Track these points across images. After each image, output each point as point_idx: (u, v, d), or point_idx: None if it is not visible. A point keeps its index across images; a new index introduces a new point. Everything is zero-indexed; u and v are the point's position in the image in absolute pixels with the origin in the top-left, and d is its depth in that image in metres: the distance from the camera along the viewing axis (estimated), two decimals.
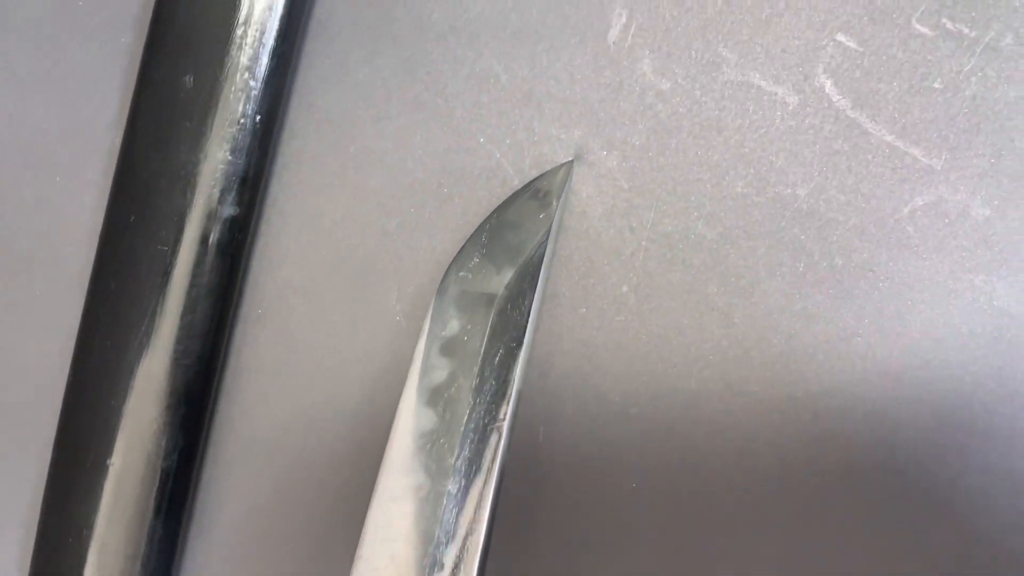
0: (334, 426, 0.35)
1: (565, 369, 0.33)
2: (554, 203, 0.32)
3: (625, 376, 0.33)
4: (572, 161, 0.33)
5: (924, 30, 0.30)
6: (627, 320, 0.33)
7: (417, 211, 0.34)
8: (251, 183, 0.33)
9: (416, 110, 0.34)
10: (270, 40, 0.32)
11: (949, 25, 0.30)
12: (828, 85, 0.31)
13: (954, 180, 0.31)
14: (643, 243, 0.33)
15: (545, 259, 0.31)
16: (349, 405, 0.35)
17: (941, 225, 0.31)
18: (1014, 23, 0.30)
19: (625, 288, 0.33)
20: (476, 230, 0.32)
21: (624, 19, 0.32)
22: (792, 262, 0.32)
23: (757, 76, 0.32)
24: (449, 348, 0.30)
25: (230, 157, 0.33)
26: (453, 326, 0.31)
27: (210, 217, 0.33)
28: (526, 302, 0.30)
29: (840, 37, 0.31)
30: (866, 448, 0.32)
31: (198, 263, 0.33)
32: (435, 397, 0.30)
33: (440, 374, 0.30)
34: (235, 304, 0.35)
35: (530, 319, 0.30)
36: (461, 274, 0.31)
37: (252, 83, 0.32)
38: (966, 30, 0.30)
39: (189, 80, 0.32)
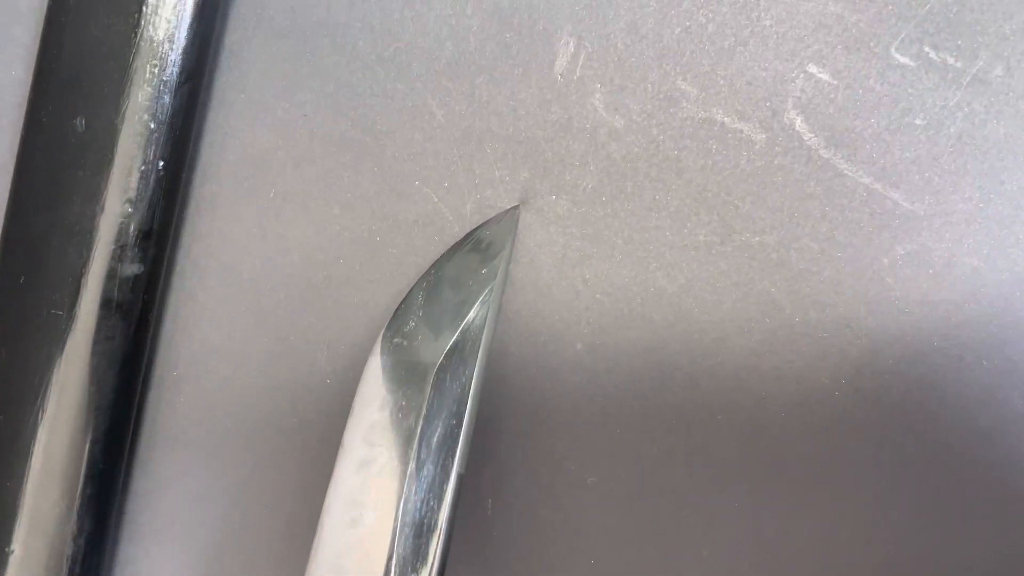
0: (260, 502, 0.32)
1: (514, 434, 0.30)
2: (498, 256, 0.29)
3: (581, 442, 0.30)
4: (518, 207, 0.30)
5: (905, 60, 0.27)
6: (581, 381, 0.30)
7: (346, 263, 0.31)
8: (157, 236, 0.30)
9: (343, 150, 0.30)
10: (172, 75, 0.29)
11: (932, 55, 0.27)
12: (798, 122, 0.28)
13: (939, 227, 0.28)
14: (597, 296, 0.29)
15: (488, 320, 0.28)
16: (276, 478, 0.31)
17: (925, 276, 0.28)
18: (1004, 52, 0.27)
19: (579, 346, 0.30)
20: (412, 288, 0.29)
21: (572, 48, 0.29)
22: (761, 317, 0.29)
23: (720, 112, 0.28)
24: (382, 429, 0.27)
25: (130, 209, 0.29)
26: (387, 402, 0.27)
27: (110, 276, 0.29)
28: (467, 373, 0.27)
29: (811, 68, 0.28)
30: (845, 518, 0.29)
31: (99, 328, 0.29)
32: (365, 487, 0.27)
33: (372, 459, 0.27)
34: (146, 368, 0.32)
35: (471, 394, 0.27)
36: (396, 340, 0.28)
37: (153, 125, 0.29)
38: (951, 60, 0.27)
39: (80, 123, 0.28)
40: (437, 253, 0.30)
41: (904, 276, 0.28)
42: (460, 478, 0.27)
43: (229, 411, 0.32)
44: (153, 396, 0.32)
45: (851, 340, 0.28)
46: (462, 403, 0.27)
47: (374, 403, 0.27)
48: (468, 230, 0.30)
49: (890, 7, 0.27)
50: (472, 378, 0.27)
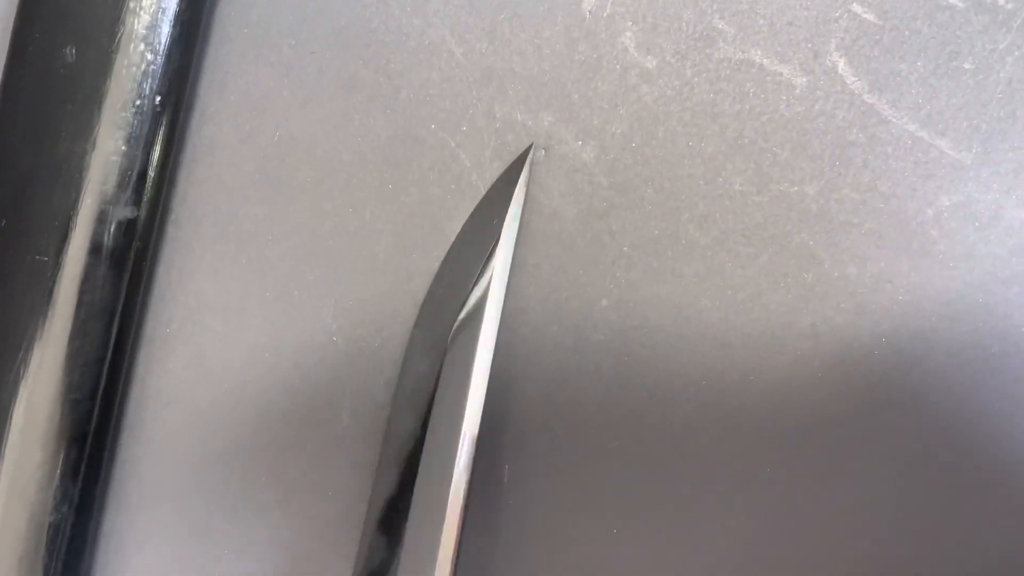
0: (259, 470, 0.29)
1: (533, 398, 0.28)
2: (508, 205, 0.27)
3: (604, 406, 0.28)
4: (531, 146, 0.28)
5: (954, 1, 0.26)
6: (606, 340, 0.28)
7: (356, 212, 0.29)
8: (152, 178, 0.27)
9: (353, 91, 0.28)
10: (172, 3, 0.26)
11: None
12: (842, 64, 0.27)
13: (986, 177, 0.26)
14: (625, 249, 0.28)
15: (500, 277, 0.26)
16: (276, 443, 0.29)
17: (971, 229, 0.26)
18: None
19: (604, 303, 0.28)
20: (451, 247, 0.27)
21: None
22: (798, 272, 0.27)
23: (758, 53, 0.27)
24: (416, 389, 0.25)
25: (124, 147, 0.27)
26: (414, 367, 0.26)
27: (101, 220, 0.27)
28: (476, 333, 0.25)
29: (856, 8, 0.26)
30: (883, 483, 0.27)
31: (87, 276, 0.27)
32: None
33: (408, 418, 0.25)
34: (137, 324, 0.29)
35: (479, 354, 0.25)
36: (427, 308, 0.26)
37: (150, 56, 0.26)
38: (1002, 1, 0.26)
39: (71, 52, 0.26)
40: (454, 201, 0.28)
41: (949, 229, 0.27)
42: (474, 439, 0.25)
43: (226, 371, 0.30)
44: (143, 354, 0.30)
45: (892, 296, 0.27)
46: (470, 363, 0.25)
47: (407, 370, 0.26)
48: (487, 178, 0.28)
49: None
50: (479, 336, 0.26)
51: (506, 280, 0.27)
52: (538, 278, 0.28)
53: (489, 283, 0.26)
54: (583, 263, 0.28)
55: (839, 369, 0.27)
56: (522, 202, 0.27)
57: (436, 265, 0.28)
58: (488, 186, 0.28)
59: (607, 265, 0.28)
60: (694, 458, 0.28)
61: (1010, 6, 0.26)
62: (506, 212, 0.26)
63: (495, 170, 0.28)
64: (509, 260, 0.27)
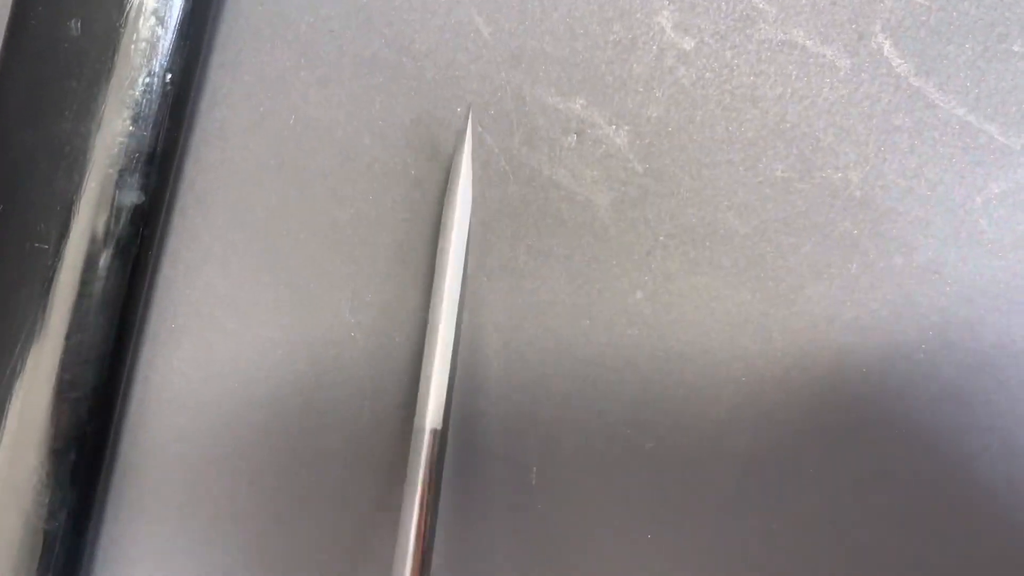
0: (270, 475, 0.28)
1: (564, 394, 0.27)
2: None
3: (639, 403, 0.27)
4: (470, 105, 0.26)
5: None
6: (641, 334, 0.27)
7: (376, 199, 0.27)
8: (160, 161, 0.26)
9: (374, 71, 0.27)
10: None
11: None
12: (887, 46, 0.26)
13: None
14: (661, 239, 0.27)
15: (452, 256, 0.25)
16: (289, 445, 0.28)
17: (1020, 217, 0.26)
18: None
19: (639, 295, 0.27)
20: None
21: None
22: (842, 262, 0.26)
23: (801, 34, 0.26)
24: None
25: (132, 127, 0.25)
26: None
27: (106, 206, 0.25)
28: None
29: None
30: (933, 484, 0.26)
31: (90, 266, 0.25)
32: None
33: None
34: (141, 317, 0.28)
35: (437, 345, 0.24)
36: None
37: (160, 31, 0.25)
38: None
39: (75, 26, 0.24)
40: (481, 188, 0.27)
41: (998, 217, 0.26)
42: (434, 433, 0.24)
43: (235, 369, 0.28)
44: (147, 350, 0.28)
45: (939, 287, 0.26)
46: (432, 352, 0.24)
47: None
48: (515, 163, 0.27)
49: None
50: (438, 324, 0.25)
51: (462, 263, 0.25)
52: (569, 269, 0.27)
53: (445, 267, 0.25)
54: (616, 253, 0.27)
55: (886, 363, 0.26)
56: (469, 175, 0.26)
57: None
58: (516, 172, 0.27)
59: (642, 256, 0.27)
60: (733, 458, 0.27)
61: None
62: (454, 189, 0.25)
63: (524, 155, 0.27)
64: (463, 242, 0.25)
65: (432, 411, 0.25)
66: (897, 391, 0.26)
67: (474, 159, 0.27)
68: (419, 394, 0.25)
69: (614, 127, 0.26)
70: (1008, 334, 0.26)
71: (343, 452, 0.27)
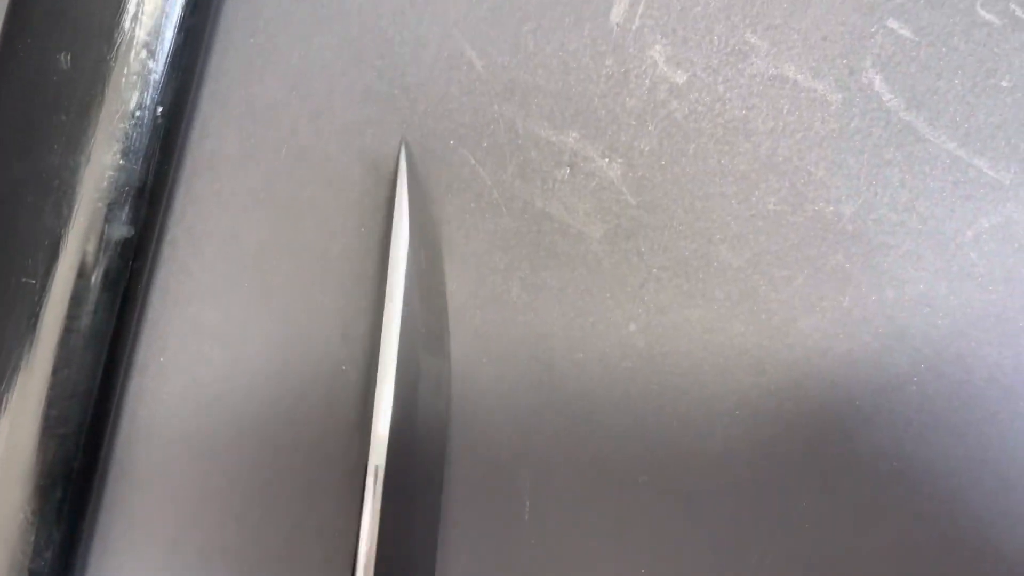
0: (259, 511, 0.27)
1: (557, 427, 0.27)
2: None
3: (633, 437, 0.27)
4: (402, 140, 0.26)
5: (991, 18, 0.25)
6: (635, 367, 0.27)
7: (368, 232, 0.27)
8: (150, 194, 0.26)
9: (367, 104, 0.27)
10: (176, 9, 0.25)
11: (1019, 12, 0.25)
12: (878, 81, 0.26)
13: None
14: (654, 272, 0.26)
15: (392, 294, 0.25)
16: (278, 482, 0.27)
17: (1010, 251, 0.26)
18: None
19: (632, 327, 0.27)
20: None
21: None
22: (835, 295, 0.26)
23: (793, 69, 0.26)
24: None
25: (121, 161, 0.25)
26: None
27: (94, 240, 0.25)
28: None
29: (892, 23, 0.26)
30: (926, 518, 0.26)
31: (77, 301, 0.25)
32: None
33: None
34: (129, 352, 0.27)
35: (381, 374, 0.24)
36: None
37: (152, 64, 0.25)
38: None
39: (65, 59, 0.24)
40: (473, 220, 0.27)
41: (988, 251, 0.26)
42: (376, 470, 0.24)
43: (225, 403, 0.27)
44: (135, 385, 0.28)
45: (931, 320, 0.26)
46: (371, 387, 0.24)
47: None
48: (508, 195, 0.27)
49: None
50: (382, 361, 0.24)
51: (400, 301, 0.25)
52: (562, 302, 0.27)
53: (386, 306, 0.24)
54: (610, 286, 0.27)
55: (878, 396, 0.26)
56: (405, 209, 0.25)
57: (454, 287, 0.27)
58: (509, 204, 0.27)
59: (635, 288, 0.27)
60: (727, 492, 0.26)
61: None
62: (391, 225, 0.25)
63: (517, 188, 0.27)
64: (400, 282, 0.25)
65: (376, 447, 0.24)
66: (889, 424, 0.26)
67: (467, 191, 0.27)
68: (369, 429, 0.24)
69: (607, 160, 0.26)
70: (999, 368, 0.26)
71: (333, 487, 0.27)
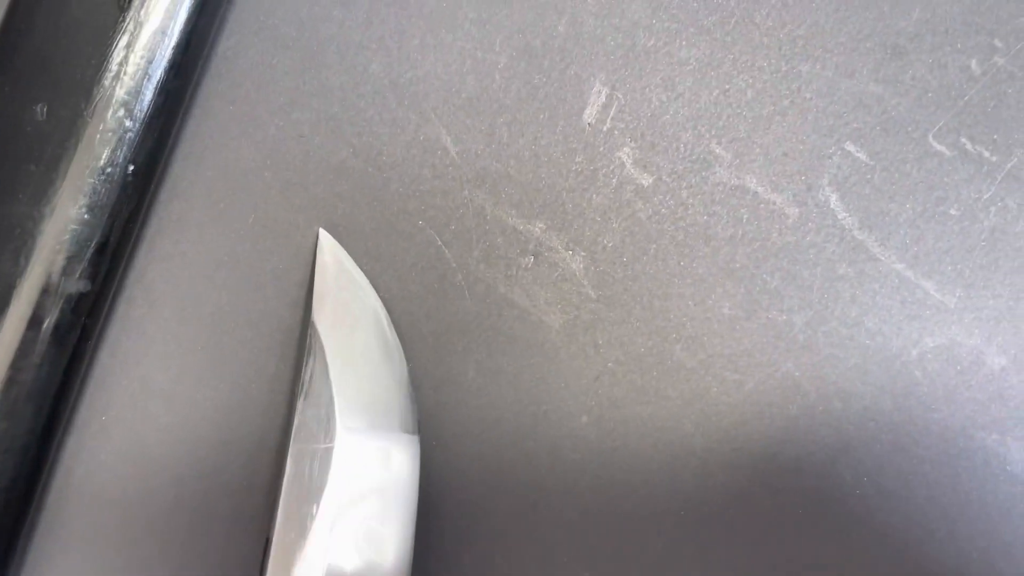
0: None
1: (503, 515, 0.27)
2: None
3: (577, 530, 0.27)
4: (317, 229, 0.27)
5: (942, 148, 0.27)
6: (584, 459, 0.27)
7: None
8: (112, 252, 0.25)
9: (340, 178, 0.27)
10: (158, 72, 0.25)
11: (969, 146, 0.27)
12: (833, 199, 0.27)
13: (968, 322, 0.27)
14: (610, 365, 0.27)
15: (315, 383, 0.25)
16: (215, 551, 0.27)
17: (953, 372, 0.27)
18: None
19: (585, 419, 0.27)
20: None
21: (603, 98, 0.27)
22: (783, 403, 0.27)
23: (754, 181, 0.27)
24: None
25: (87, 216, 0.25)
26: None
27: (48, 292, 0.24)
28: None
29: (849, 146, 0.27)
30: None
31: (24, 352, 0.24)
32: None
33: None
34: (71, 407, 0.27)
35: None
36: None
37: (128, 123, 0.25)
38: (987, 153, 0.27)
39: (41, 111, 0.24)
40: (435, 301, 0.27)
41: (932, 370, 0.27)
42: (267, 541, 0.24)
43: (164, 467, 0.27)
44: (73, 442, 0.27)
45: (875, 435, 0.27)
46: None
47: None
48: (471, 279, 0.27)
49: (930, 95, 0.27)
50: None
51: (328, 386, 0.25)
52: (517, 388, 0.27)
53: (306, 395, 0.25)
54: (565, 376, 0.27)
55: (822, 506, 0.26)
56: (324, 295, 0.26)
57: (410, 365, 0.27)
58: (472, 287, 0.27)
59: (590, 380, 0.27)
60: None
61: (995, 159, 0.27)
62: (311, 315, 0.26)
63: (481, 272, 0.27)
64: (325, 371, 0.25)
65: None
66: (831, 535, 0.26)
67: (432, 271, 0.27)
68: None
69: (571, 252, 0.27)
70: (939, 487, 0.26)
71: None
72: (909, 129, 0.27)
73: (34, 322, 0.24)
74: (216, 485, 0.27)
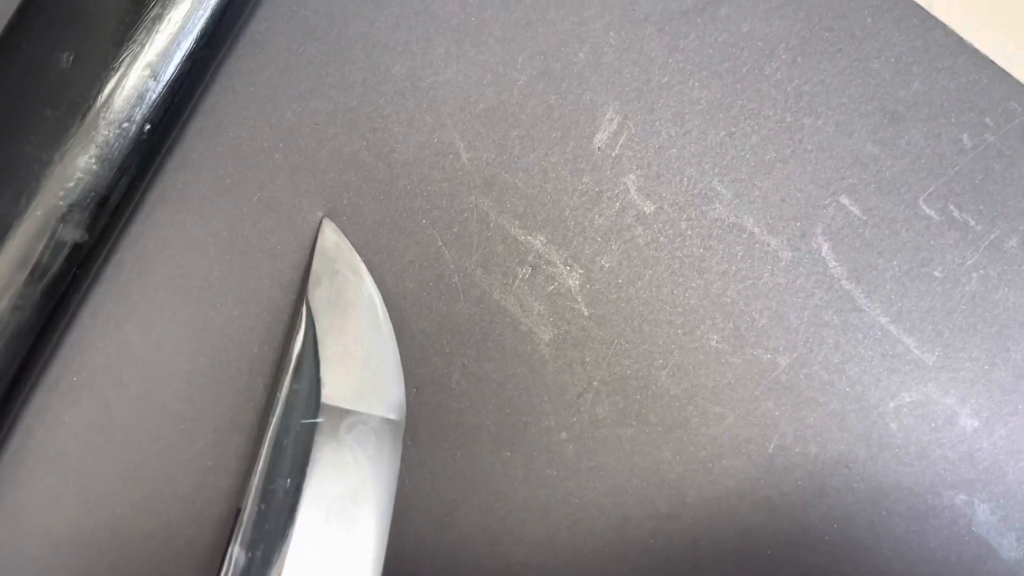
0: (132, 558, 0.25)
1: (471, 523, 0.26)
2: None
3: (544, 547, 0.26)
4: (322, 217, 0.27)
5: (930, 212, 0.28)
6: (559, 475, 0.26)
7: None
8: (113, 208, 0.25)
9: (349, 170, 0.27)
10: (189, 39, 0.25)
11: (956, 213, 0.28)
12: (825, 248, 0.28)
13: (945, 381, 0.27)
14: (594, 384, 0.27)
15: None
16: (166, 526, 0.26)
17: (927, 429, 0.27)
18: (1020, 226, 0.28)
19: (564, 435, 0.27)
20: None
21: (615, 125, 0.28)
22: (761, 440, 0.27)
23: (751, 221, 0.28)
24: None
25: (95, 167, 0.24)
26: None
27: (45, 236, 0.24)
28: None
29: (844, 200, 0.28)
30: None
31: (8, 292, 0.24)
32: None
33: None
34: (43, 363, 0.26)
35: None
36: None
37: (152, 83, 0.25)
38: (972, 222, 0.28)
39: (67, 58, 0.24)
40: (429, 300, 0.27)
41: (907, 424, 0.27)
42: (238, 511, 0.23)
43: (130, 437, 0.26)
44: (38, 400, 0.26)
45: (848, 483, 0.27)
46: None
47: None
48: (467, 282, 0.27)
49: (923, 160, 0.28)
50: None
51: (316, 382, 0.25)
52: (499, 397, 0.27)
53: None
54: (549, 390, 0.27)
55: (791, 548, 0.26)
56: (320, 275, 0.26)
57: (400, 359, 0.26)
58: (467, 291, 0.27)
59: (573, 397, 0.27)
60: None
61: (979, 228, 0.28)
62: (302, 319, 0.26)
63: (478, 277, 0.27)
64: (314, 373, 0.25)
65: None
66: None
67: (429, 270, 0.27)
68: None
69: (568, 268, 0.27)
70: (906, 542, 0.27)
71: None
72: (901, 190, 0.28)
73: (25, 263, 0.24)
74: (182, 461, 0.26)
